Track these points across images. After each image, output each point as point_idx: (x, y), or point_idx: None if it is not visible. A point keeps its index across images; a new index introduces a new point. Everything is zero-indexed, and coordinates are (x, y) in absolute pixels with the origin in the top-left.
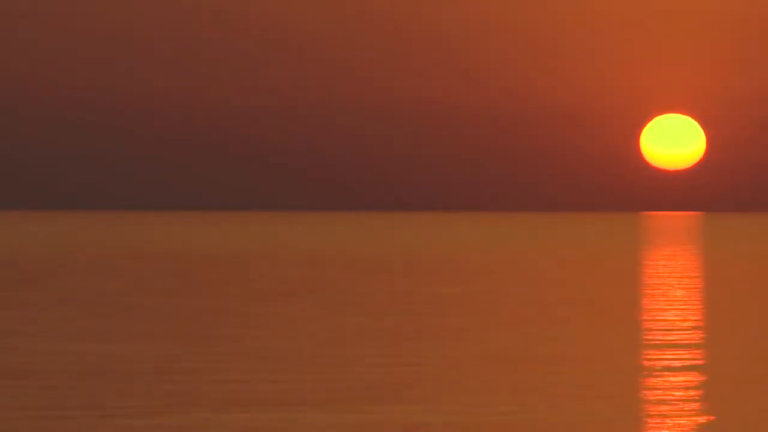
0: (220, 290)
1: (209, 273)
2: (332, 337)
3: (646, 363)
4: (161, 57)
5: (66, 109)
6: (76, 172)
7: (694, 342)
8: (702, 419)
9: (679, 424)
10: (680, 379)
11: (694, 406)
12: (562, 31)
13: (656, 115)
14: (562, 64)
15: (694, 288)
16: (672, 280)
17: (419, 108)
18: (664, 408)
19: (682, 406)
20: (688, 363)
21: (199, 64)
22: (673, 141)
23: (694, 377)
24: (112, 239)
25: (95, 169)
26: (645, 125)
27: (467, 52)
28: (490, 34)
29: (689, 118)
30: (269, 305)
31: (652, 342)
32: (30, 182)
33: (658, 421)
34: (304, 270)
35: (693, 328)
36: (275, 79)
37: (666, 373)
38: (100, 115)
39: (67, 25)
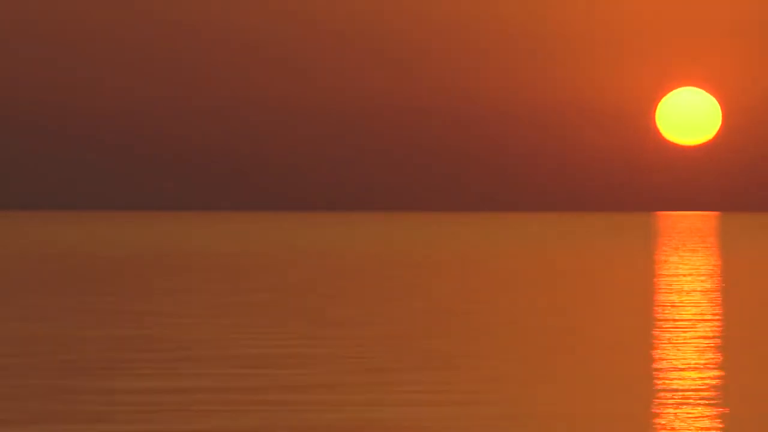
0: None
1: None
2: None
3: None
4: (96, 54)
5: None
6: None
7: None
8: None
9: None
10: None
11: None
12: (567, 22)
13: (671, 90)
14: (566, 54)
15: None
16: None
17: (424, 106)
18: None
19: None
20: None
21: (150, 64)
22: (688, 115)
23: None
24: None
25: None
26: (659, 100)
27: (472, 52)
28: (491, 34)
29: (704, 92)
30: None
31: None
32: None
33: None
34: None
35: None
36: (219, 79)
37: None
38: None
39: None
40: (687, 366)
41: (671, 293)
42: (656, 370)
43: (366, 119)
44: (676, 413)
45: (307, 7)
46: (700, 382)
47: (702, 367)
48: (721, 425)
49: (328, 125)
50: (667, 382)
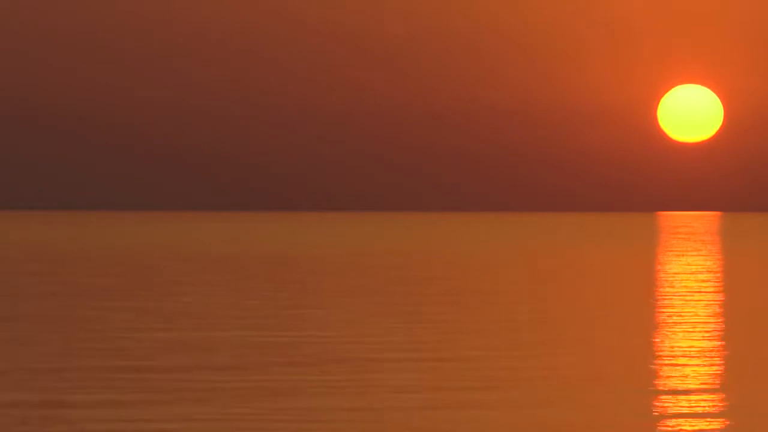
0: None
1: None
2: None
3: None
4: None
5: None
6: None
7: None
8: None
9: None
10: None
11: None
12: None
13: (672, 87)
14: (566, 54)
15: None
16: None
17: (423, 107)
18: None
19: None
20: None
21: (145, 62)
22: (690, 113)
23: None
24: None
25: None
26: (661, 98)
27: (472, 52)
28: (490, 34)
29: (706, 89)
30: None
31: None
32: None
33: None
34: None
35: None
36: (219, 79)
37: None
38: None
39: None
40: (687, 367)
41: (672, 294)
42: (656, 370)
43: (365, 120)
44: (676, 413)
45: (307, 8)
46: (700, 382)
47: (702, 367)
48: (721, 424)
49: (327, 126)
50: (666, 384)
